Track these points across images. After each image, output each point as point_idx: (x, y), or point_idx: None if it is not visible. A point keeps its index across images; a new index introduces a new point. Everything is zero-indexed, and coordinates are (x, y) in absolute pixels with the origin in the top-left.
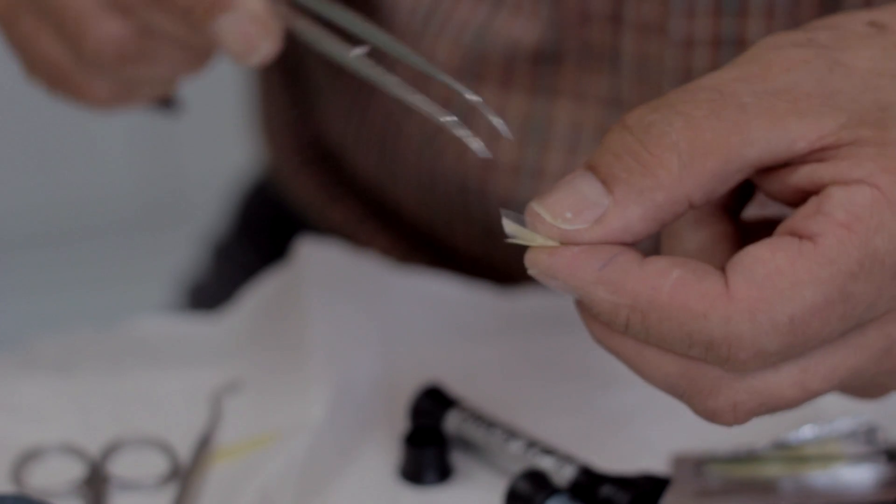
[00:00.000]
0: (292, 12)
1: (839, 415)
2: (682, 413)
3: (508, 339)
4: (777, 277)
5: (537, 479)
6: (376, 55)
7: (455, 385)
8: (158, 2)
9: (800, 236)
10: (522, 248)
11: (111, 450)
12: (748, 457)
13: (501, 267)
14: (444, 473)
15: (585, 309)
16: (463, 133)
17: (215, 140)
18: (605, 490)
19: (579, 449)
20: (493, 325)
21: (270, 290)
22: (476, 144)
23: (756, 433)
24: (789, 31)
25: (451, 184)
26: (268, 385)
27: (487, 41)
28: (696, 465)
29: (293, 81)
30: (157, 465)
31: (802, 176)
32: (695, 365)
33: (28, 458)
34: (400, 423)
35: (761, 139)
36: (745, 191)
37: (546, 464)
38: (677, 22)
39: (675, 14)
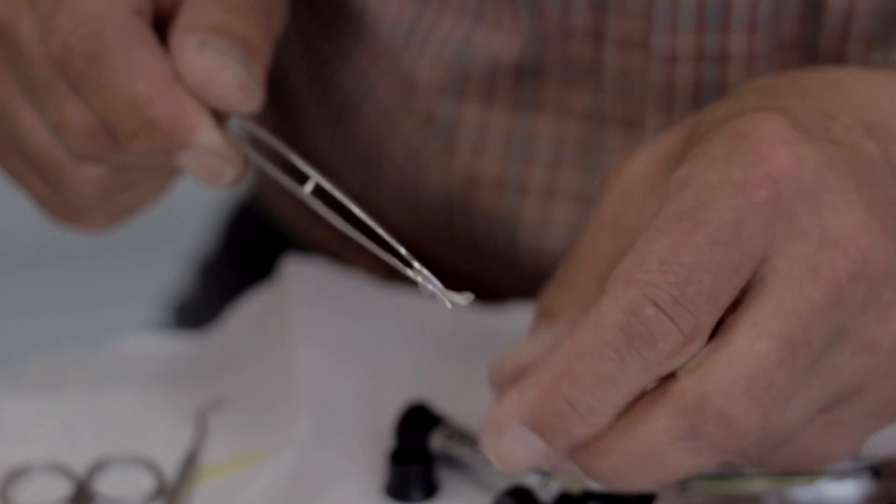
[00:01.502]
0: (247, 143)
1: None
2: None
3: (493, 356)
4: (633, 251)
5: (523, 496)
6: (322, 191)
7: (440, 402)
8: (121, 148)
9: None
10: (507, 265)
11: (97, 468)
12: (733, 473)
13: (486, 284)
14: (429, 491)
15: (582, 460)
16: (424, 284)
17: None
18: None
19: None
20: (478, 343)
21: (256, 308)
22: (447, 298)
23: None
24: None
25: (436, 201)
26: (253, 403)
27: (469, 56)
28: (680, 481)
29: (277, 99)
30: (143, 483)
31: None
32: (671, 394)
33: (14, 476)
34: (385, 440)
35: (637, 225)
36: None
37: (531, 481)
38: (660, 37)
39: (658, 29)
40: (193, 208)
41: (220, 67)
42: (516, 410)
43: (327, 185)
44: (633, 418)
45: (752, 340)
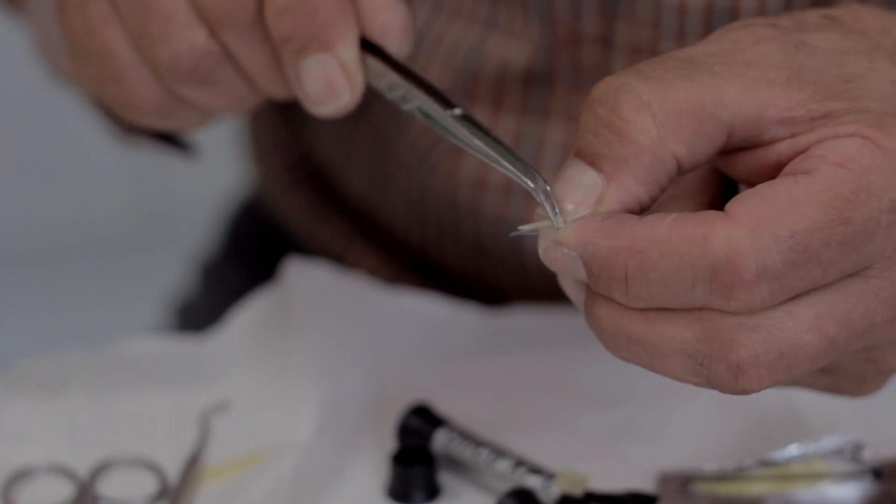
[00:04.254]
0: (384, 70)
1: (825, 433)
2: (669, 432)
3: (496, 358)
4: (776, 199)
5: (525, 498)
6: (470, 118)
7: (443, 404)
8: (254, 26)
9: (794, 175)
10: (513, 268)
11: (100, 470)
12: (734, 475)
13: (492, 285)
14: (431, 493)
15: (591, 301)
16: (546, 203)
17: (204, 160)
18: None
19: (567, 468)
20: (480, 345)
21: (259, 310)
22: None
23: (743, 451)
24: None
25: (442, 203)
26: (256, 405)
27: (479, 62)
28: (682, 483)
29: (283, 104)
30: (146, 485)
31: (783, 149)
32: (708, 320)
33: (17, 478)
34: (388, 442)
35: (733, 102)
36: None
37: (533, 482)
38: (668, 44)
39: (666, 36)
40: (196, 210)
41: (395, 3)
42: (582, 244)
43: (470, 113)
44: (662, 312)
45: (806, 329)
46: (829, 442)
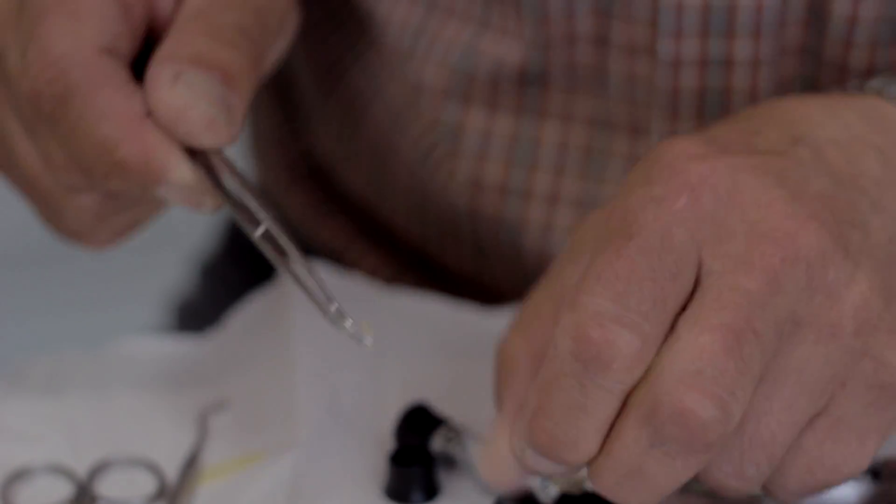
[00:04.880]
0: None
1: None
2: None
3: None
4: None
5: (523, 498)
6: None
7: (441, 404)
8: (102, 183)
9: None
10: (512, 268)
11: (98, 470)
12: None
13: (491, 285)
14: (430, 493)
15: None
16: (346, 324)
17: None
18: None
19: None
20: (479, 345)
21: (257, 311)
22: (363, 338)
23: None
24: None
25: (442, 203)
26: (254, 405)
27: (473, 62)
28: None
29: (284, 98)
30: (144, 485)
31: None
32: (630, 406)
33: (15, 478)
34: (386, 442)
35: (571, 274)
36: None
37: (532, 482)
38: (665, 43)
39: (663, 35)
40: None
41: (187, 105)
42: (513, 443)
43: (276, 232)
44: (609, 438)
45: (693, 335)
46: None
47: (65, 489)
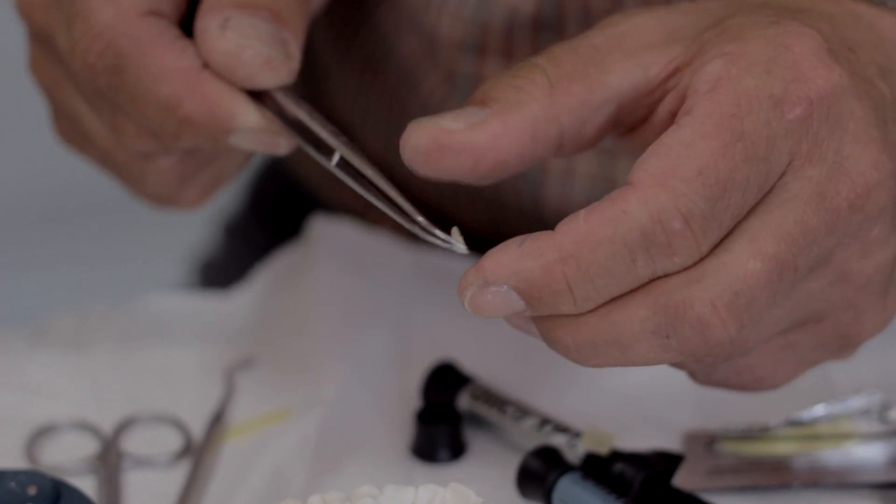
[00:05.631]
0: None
1: (852, 393)
2: (694, 390)
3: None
4: (670, 150)
5: (550, 457)
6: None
7: (468, 362)
8: (173, 143)
9: (677, 121)
10: (530, 221)
11: (124, 426)
12: (760, 434)
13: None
14: (456, 451)
15: (544, 327)
16: (436, 233)
17: None
18: (618, 467)
19: (593, 426)
20: None
21: (283, 268)
22: (455, 245)
23: (769, 411)
24: None
25: None
26: (280, 362)
27: (488, 11)
28: (708, 442)
29: (302, 62)
30: (170, 441)
31: (671, 103)
32: (656, 291)
33: (41, 434)
34: (413, 400)
35: (617, 70)
36: None
37: (559, 441)
38: None
39: None
40: None
41: (240, 48)
42: (510, 274)
43: (352, 158)
44: (612, 303)
45: (746, 256)
46: (856, 402)
47: (90, 445)
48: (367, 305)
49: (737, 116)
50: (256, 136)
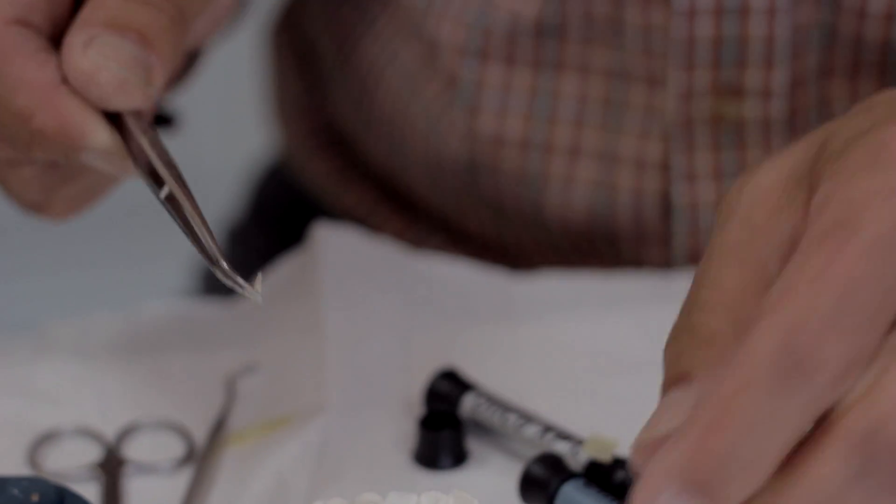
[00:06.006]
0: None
1: None
2: None
3: (524, 322)
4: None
5: (553, 464)
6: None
7: (470, 369)
8: (26, 153)
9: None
10: (533, 225)
11: (127, 433)
12: None
13: (513, 246)
14: (459, 458)
15: None
16: (238, 282)
17: (229, 124)
18: (621, 475)
19: (595, 433)
20: (508, 309)
21: (286, 274)
22: (247, 292)
23: None
24: None
25: (460, 165)
26: (283, 368)
27: (490, 17)
28: None
29: (305, 67)
30: (172, 448)
31: None
32: (836, 426)
33: (44, 440)
34: (415, 407)
35: (769, 253)
36: None
37: (562, 448)
38: None
39: None
40: (222, 174)
41: (97, 69)
42: (668, 473)
43: (179, 194)
44: (798, 465)
45: None
46: None
47: (93, 452)
48: (369, 312)
49: (847, 220)
50: (107, 156)
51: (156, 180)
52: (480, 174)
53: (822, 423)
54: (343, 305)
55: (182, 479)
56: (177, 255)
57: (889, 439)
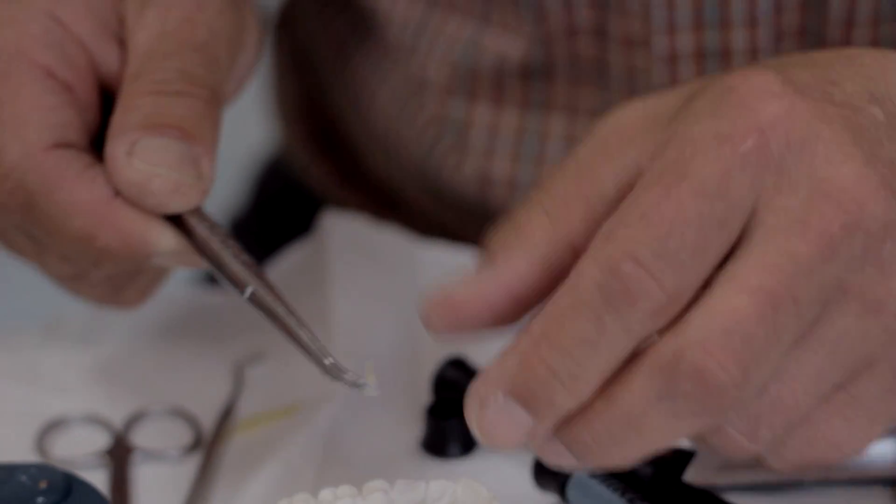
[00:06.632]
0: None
1: None
2: None
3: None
4: (617, 212)
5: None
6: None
7: (478, 357)
8: (96, 266)
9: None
10: None
11: (135, 420)
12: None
13: None
14: (467, 446)
15: (565, 436)
16: (345, 378)
17: (232, 116)
18: None
19: None
20: None
21: (294, 263)
22: (365, 385)
23: None
24: None
25: (452, 194)
26: (290, 357)
27: (476, 57)
28: None
29: (303, 69)
30: (180, 435)
31: None
32: (647, 354)
33: (52, 428)
34: (423, 395)
35: (608, 174)
36: None
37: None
38: (659, 38)
39: (656, 31)
40: (224, 165)
41: (147, 178)
42: (498, 379)
43: (263, 294)
44: (613, 384)
45: (729, 294)
46: None
47: (101, 439)
48: (377, 300)
49: (680, 161)
50: (177, 257)
51: (235, 279)
52: (470, 207)
53: (641, 349)
54: (351, 293)
55: (190, 466)
56: None
57: (687, 367)
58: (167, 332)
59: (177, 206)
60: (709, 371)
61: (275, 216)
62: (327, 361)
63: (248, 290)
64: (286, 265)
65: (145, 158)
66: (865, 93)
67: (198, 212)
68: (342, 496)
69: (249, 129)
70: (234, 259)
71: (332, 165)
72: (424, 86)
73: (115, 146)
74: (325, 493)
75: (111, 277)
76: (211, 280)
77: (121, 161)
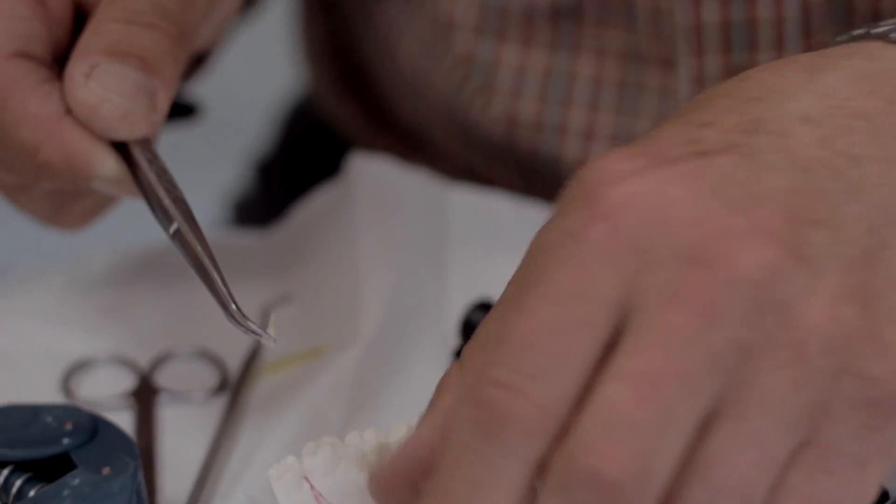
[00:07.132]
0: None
1: None
2: None
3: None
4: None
5: None
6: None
7: None
8: (36, 179)
9: None
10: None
11: (161, 362)
12: None
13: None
14: None
15: None
16: (247, 326)
17: (258, 58)
18: None
19: None
20: None
21: (321, 207)
22: (264, 339)
23: None
24: None
25: (480, 135)
26: (317, 300)
27: None
28: None
29: (332, 14)
30: (206, 377)
31: None
32: (543, 478)
33: (77, 369)
34: (450, 338)
35: None
36: None
37: None
38: None
39: None
40: (250, 108)
41: (100, 100)
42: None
43: (188, 232)
44: None
45: (606, 387)
46: None
47: (126, 380)
48: (404, 244)
49: (530, 272)
50: (115, 184)
51: (164, 213)
52: (497, 149)
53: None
54: (378, 236)
55: (216, 409)
56: (210, 187)
57: (579, 473)
58: (193, 275)
59: (123, 133)
60: (600, 469)
61: (302, 158)
62: (232, 307)
63: (174, 227)
64: (313, 207)
65: (101, 83)
66: (747, 121)
67: (144, 143)
68: (369, 439)
69: (276, 71)
70: (165, 194)
71: (359, 107)
72: (452, 27)
73: (75, 66)
74: (352, 437)
75: (53, 195)
76: (239, 221)
77: (77, 81)
